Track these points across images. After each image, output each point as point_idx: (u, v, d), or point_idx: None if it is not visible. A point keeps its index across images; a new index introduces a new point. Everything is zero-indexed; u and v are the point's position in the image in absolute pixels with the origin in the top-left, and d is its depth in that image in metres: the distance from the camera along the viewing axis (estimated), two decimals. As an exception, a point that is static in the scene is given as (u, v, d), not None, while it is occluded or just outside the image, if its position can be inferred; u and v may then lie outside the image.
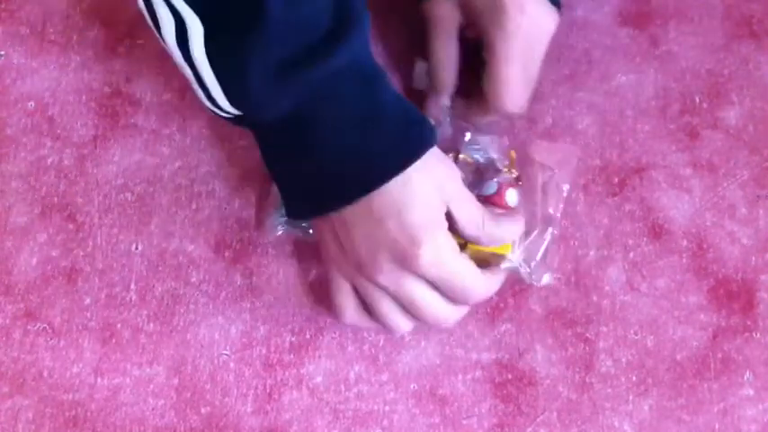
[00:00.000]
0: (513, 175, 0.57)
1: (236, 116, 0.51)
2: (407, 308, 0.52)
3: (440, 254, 0.50)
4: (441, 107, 0.59)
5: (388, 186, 0.49)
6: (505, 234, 0.54)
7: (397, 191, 0.49)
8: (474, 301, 0.53)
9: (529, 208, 0.57)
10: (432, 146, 0.50)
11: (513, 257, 0.55)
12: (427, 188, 0.50)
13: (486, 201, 0.56)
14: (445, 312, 0.53)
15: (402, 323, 0.53)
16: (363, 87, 0.50)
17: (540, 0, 0.55)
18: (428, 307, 0.52)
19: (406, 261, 0.50)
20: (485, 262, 0.54)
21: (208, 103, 0.50)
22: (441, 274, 0.50)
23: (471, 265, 0.52)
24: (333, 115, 0.49)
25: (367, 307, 0.53)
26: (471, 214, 0.52)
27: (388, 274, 0.50)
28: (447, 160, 0.52)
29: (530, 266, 0.56)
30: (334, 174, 0.50)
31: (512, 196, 0.56)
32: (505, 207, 0.56)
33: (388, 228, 0.49)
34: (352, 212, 0.50)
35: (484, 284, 0.52)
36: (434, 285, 0.51)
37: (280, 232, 0.57)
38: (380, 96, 0.50)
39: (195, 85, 0.49)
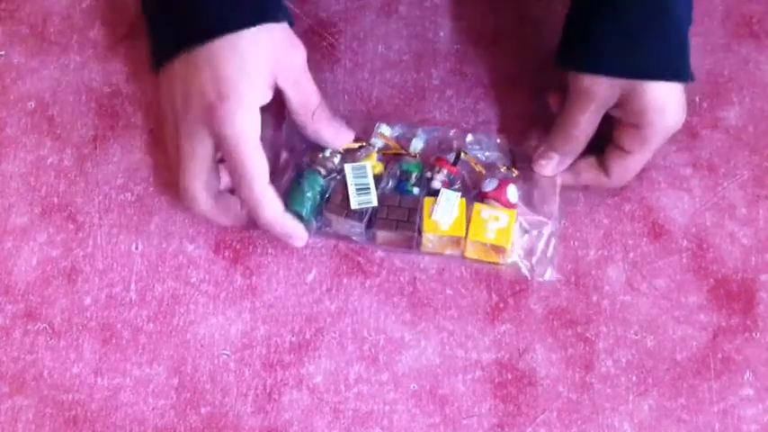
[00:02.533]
0: (514, 174, 0.58)
1: None
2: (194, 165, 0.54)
3: (238, 117, 0.51)
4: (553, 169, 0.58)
5: (219, 41, 0.51)
6: (332, 134, 0.56)
7: (224, 46, 0.52)
8: (244, 196, 0.53)
9: (528, 204, 0.58)
10: (276, 21, 0.53)
11: (513, 254, 0.56)
12: (256, 54, 0.52)
13: (486, 197, 0.57)
14: (239, 173, 0.53)
15: (198, 193, 0.55)
16: None
17: (683, 99, 0.56)
18: (198, 183, 0.54)
19: (207, 111, 0.52)
20: (483, 256, 0.56)
21: None
22: (230, 139, 0.51)
23: (260, 154, 0.52)
24: None
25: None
26: (305, 96, 0.55)
27: (190, 123, 0.52)
28: (295, 40, 0.54)
29: (531, 262, 0.56)
30: (179, 17, 0.53)
31: (512, 192, 0.57)
32: (506, 203, 0.57)
33: (204, 76, 0.52)
34: (186, 61, 0.53)
35: (261, 177, 0.52)
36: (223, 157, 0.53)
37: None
38: None
39: None
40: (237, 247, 0.59)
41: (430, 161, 0.59)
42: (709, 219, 0.60)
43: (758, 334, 0.58)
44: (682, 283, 0.59)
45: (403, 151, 0.59)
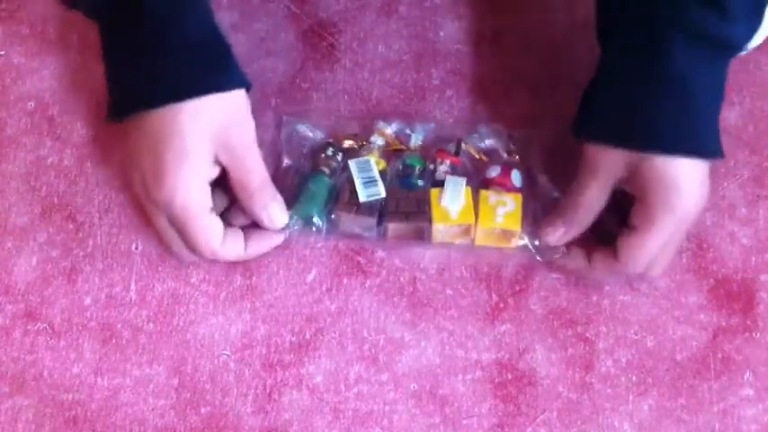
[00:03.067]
0: (516, 158, 0.59)
1: None
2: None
3: (178, 200, 0.50)
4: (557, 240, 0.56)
5: (161, 111, 0.50)
6: (266, 219, 0.55)
7: (165, 119, 0.50)
8: (202, 258, 0.54)
9: (531, 188, 0.58)
10: (223, 90, 0.51)
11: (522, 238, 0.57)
12: (196, 132, 0.50)
13: (491, 183, 0.57)
14: (181, 252, 0.55)
15: (172, 245, 0.55)
16: (169, 11, 0.51)
17: (705, 179, 0.53)
18: (166, 238, 0.54)
19: (148, 191, 0.51)
20: (494, 242, 0.56)
21: None
22: (174, 218, 0.51)
23: (208, 225, 0.52)
24: (132, 20, 0.51)
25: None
26: (244, 175, 0.53)
27: (139, 191, 0.53)
28: (242, 114, 0.52)
29: (539, 241, 0.57)
30: (127, 82, 0.52)
31: (516, 177, 0.57)
32: (511, 188, 0.57)
33: (144, 155, 0.51)
34: (136, 126, 0.52)
35: (211, 245, 0.53)
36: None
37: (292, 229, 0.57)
38: (184, 25, 0.51)
39: None
40: (237, 247, 0.59)
41: (431, 154, 0.59)
42: (709, 219, 0.60)
43: (758, 334, 0.58)
44: (682, 283, 0.59)
45: (403, 147, 0.59)
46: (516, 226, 0.56)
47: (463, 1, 0.64)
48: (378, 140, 0.59)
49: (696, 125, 0.52)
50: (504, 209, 0.56)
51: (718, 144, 0.53)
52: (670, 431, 0.56)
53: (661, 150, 0.51)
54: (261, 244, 0.56)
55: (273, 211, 0.55)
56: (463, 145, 0.59)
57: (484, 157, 0.59)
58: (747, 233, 0.60)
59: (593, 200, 0.54)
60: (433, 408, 0.56)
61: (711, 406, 0.57)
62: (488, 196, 0.56)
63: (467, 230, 0.57)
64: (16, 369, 0.56)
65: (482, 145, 0.59)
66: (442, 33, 0.63)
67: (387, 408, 0.56)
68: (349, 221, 0.57)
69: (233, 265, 0.58)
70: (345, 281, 0.58)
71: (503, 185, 0.57)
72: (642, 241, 0.52)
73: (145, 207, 0.54)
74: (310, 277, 0.58)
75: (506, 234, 0.57)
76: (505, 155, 0.59)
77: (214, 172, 0.52)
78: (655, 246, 0.53)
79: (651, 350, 0.57)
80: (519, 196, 0.57)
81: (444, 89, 0.62)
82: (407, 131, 0.60)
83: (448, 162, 0.58)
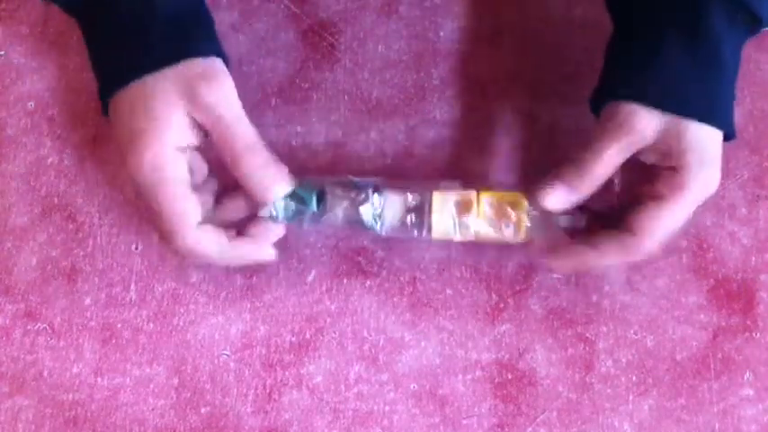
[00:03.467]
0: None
1: None
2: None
3: (146, 159, 0.49)
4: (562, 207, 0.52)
5: (130, 89, 0.50)
6: (260, 182, 0.50)
7: (134, 95, 0.50)
8: (172, 244, 0.50)
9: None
10: (190, 57, 0.50)
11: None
12: (164, 97, 0.49)
13: None
14: (161, 226, 0.50)
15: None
16: None
17: (720, 157, 0.52)
18: (153, 211, 0.51)
19: (127, 165, 0.50)
20: (504, 212, 0.53)
21: None
22: (146, 186, 0.49)
23: (181, 196, 0.49)
24: (103, 5, 0.51)
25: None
26: (228, 134, 0.50)
27: (128, 167, 0.50)
28: (216, 74, 0.50)
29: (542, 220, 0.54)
30: (102, 70, 0.52)
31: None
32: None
33: (121, 132, 0.50)
34: (114, 110, 0.51)
35: (183, 222, 0.50)
36: None
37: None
38: (151, 3, 0.50)
39: None
40: (237, 247, 0.59)
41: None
42: (709, 219, 0.60)
43: (758, 334, 0.58)
44: (682, 283, 0.59)
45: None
46: (522, 196, 0.53)
47: (463, 1, 0.64)
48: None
49: (724, 97, 0.52)
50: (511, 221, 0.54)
51: (733, 122, 0.53)
52: (670, 431, 0.56)
53: (700, 119, 0.50)
54: (252, 244, 0.53)
55: (267, 174, 0.51)
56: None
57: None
58: (747, 233, 0.60)
59: (609, 164, 0.51)
60: (433, 408, 0.56)
61: (711, 406, 0.57)
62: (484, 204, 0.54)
63: (467, 204, 0.54)
64: (16, 369, 0.56)
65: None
66: (441, 33, 0.63)
67: (387, 408, 0.56)
68: (342, 195, 0.54)
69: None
70: (345, 281, 0.58)
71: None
72: (670, 211, 0.51)
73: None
74: (310, 277, 0.58)
75: (513, 203, 0.53)
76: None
77: (192, 138, 0.50)
78: (681, 215, 0.51)
79: (651, 350, 0.57)
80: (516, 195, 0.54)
81: (444, 89, 0.62)
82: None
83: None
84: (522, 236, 0.54)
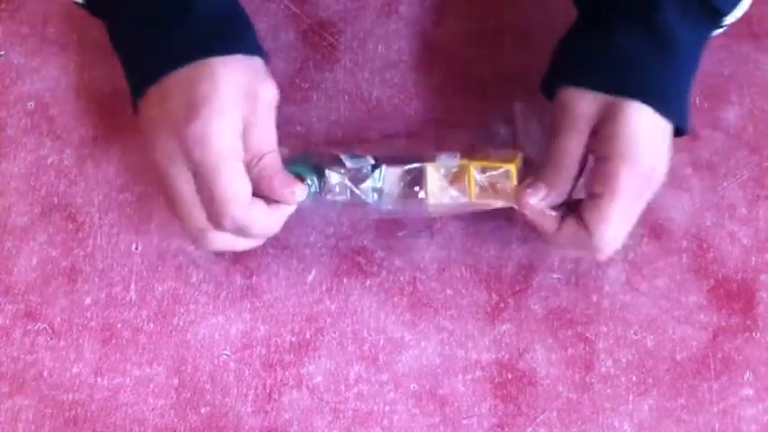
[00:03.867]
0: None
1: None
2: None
3: (207, 138, 0.47)
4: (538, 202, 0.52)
5: (192, 67, 0.49)
6: (275, 187, 0.50)
7: (197, 70, 0.49)
8: (222, 220, 0.49)
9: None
10: (251, 54, 0.50)
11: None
12: (229, 78, 0.48)
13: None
14: (197, 223, 0.50)
15: (192, 213, 0.50)
16: None
17: (669, 149, 0.51)
18: (185, 204, 0.49)
19: (176, 135, 0.48)
20: (494, 189, 0.53)
21: None
22: (203, 163, 0.48)
23: (239, 176, 0.49)
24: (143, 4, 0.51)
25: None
26: (257, 136, 0.49)
27: (163, 146, 0.48)
28: (269, 77, 0.51)
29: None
30: (152, 47, 0.51)
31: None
32: None
33: (175, 100, 0.48)
34: (159, 89, 0.50)
35: (239, 201, 0.49)
36: (195, 179, 0.49)
37: None
38: (198, 1, 0.50)
39: None
40: (237, 247, 0.59)
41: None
42: (709, 219, 0.60)
43: (758, 334, 0.58)
44: (682, 283, 0.59)
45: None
46: (513, 163, 0.53)
47: (463, 1, 0.64)
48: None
49: (674, 85, 0.51)
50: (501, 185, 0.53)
51: (686, 115, 0.52)
52: (670, 431, 0.56)
53: (635, 95, 0.49)
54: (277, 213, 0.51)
55: (284, 181, 0.51)
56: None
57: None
58: (747, 233, 0.60)
59: (572, 150, 0.51)
60: (433, 408, 0.56)
61: (711, 406, 0.57)
62: (474, 174, 0.53)
63: (461, 174, 0.53)
64: (16, 369, 0.56)
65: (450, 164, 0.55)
66: (441, 33, 0.63)
67: (387, 408, 0.56)
68: (340, 175, 0.53)
69: (233, 264, 0.58)
70: (345, 281, 0.58)
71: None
72: (609, 204, 0.50)
73: (166, 169, 0.49)
74: (310, 277, 0.58)
75: (504, 172, 0.53)
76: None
77: (239, 126, 0.49)
78: (624, 209, 0.50)
79: (651, 350, 0.57)
80: (514, 162, 0.53)
81: (444, 89, 0.62)
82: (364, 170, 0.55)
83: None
84: (511, 200, 0.53)
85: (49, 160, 0.60)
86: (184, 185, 0.49)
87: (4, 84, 0.62)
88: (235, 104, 0.49)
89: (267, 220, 0.51)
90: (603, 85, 0.50)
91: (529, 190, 0.52)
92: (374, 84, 0.62)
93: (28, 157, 0.60)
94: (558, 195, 0.52)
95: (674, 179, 0.60)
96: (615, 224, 0.50)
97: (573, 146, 0.51)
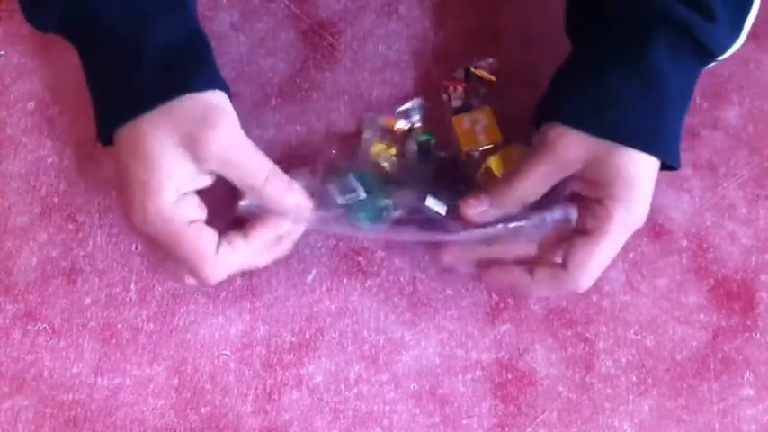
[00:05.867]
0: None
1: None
2: None
3: (149, 215, 0.48)
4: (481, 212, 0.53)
5: (123, 130, 0.48)
6: (286, 201, 0.51)
7: (127, 137, 0.48)
8: (200, 278, 0.51)
9: None
10: (187, 92, 0.48)
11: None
12: (156, 139, 0.47)
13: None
14: (175, 272, 0.52)
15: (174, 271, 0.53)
16: (128, 25, 0.49)
17: (651, 187, 0.51)
18: (165, 266, 0.51)
19: (128, 212, 0.49)
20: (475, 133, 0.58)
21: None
22: (158, 239, 0.49)
23: (194, 236, 0.49)
24: (95, 40, 0.50)
25: None
26: (242, 173, 0.49)
27: (134, 221, 0.50)
28: (212, 115, 0.48)
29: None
30: (105, 91, 0.51)
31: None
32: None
33: (120, 180, 0.49)
34: (116, 140, 0.50)
35: (203, 258, 0.49)
36: None
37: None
38: (145, 37, 0.49)
39: None
40: (237, 247, 0.59)
41: (442, 84, 0.60)
42: (709, 219, 0.60)
43: (758, 334, 0.58)
44: (682, 283, 0.59)
45: (405, 127, 0.59)
46: (497, 138, 0.58)
47: (463, 1, 0.64)
48: (369, 134, 0.59)
49: (665, 127, 0.51)
50: (480, 125, 0.58)
51: (678, 153, 0.52)
52: (670, 431, 0.56)
53: (631, 144, 0.49)
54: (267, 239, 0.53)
55: (293, 195, 0.51)
56: (472, 69, 0.60)
57: (493, 78, 0.60)
58: (747, 233, 0.60)
59: (535, 186, 0.51)
60: (433, 408, 0.56)
61: (711, 406, 0.57)
62: (462, 120, 0.58)
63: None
64: (16, 369, 0.56)
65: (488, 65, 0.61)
66: (441, 33, 0.63)
67: (387, 408, 0.56)
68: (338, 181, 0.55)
69: (233, 265, 0.58)
70: (345, 281, 0.58)
71: None
72: (597, 245, 0.50)
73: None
74: (310, 277, 0.58)
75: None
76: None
77: (198, 182, 0.50)
78: (608, 250, 0.51)
79: (651, 350, 0.57)
80: (487, 108, 0.59)
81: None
82: (404, 112, 0.60)
83: (459, 89, 0.59)
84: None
85: (49, 160, 0.60)
86: (156, 250, 0.52)
87: (4, 84, 0.62)
88: (177, 172, 0.48)
89: (246, 252, 0.52)
90: (596, 129, 0.50)
91: (472, 201, 0.52)
92: (374, 84, 0.62)
93: (28, 157, 0.60)
94: (494, 215, 0.52)
95: (675, 179, 0.60)
96: (602, 262, 0.51)
97: (536, 179, 0.51)
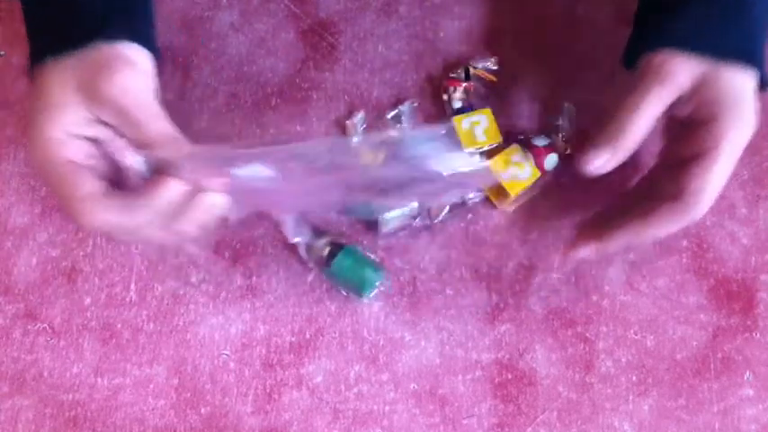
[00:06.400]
0: (567, 151, 0.60)
1: None
2: None
3: (36, 149, 0.47)
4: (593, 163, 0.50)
5: (37, 72, 0.49)
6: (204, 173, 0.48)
7: (36, 80, 0.48)
8: (80, 220, 0.48)
9: None
10: (91, 41, 0.48)
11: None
12: (56, 81, 0.48)
13: (531, 147, 0.59)
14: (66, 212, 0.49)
15: None
16: None
17: (754, 103, 0.50)
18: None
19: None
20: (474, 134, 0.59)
21: None
22: (40, 172, 0.48)
23: (71, 177, 0.47)
24: None
25: None
26: (136, 131, 0.47)
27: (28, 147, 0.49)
28: (112, 63, 0.48)
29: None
30: (30, 32, 0.52)
31: (550, 161, 0.59)
32: (540, 165, 0.58)
33: (28, 105, 0.49)
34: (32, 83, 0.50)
35: (76, 198, 0.47)
36: None
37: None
38: None
39: None
40: (237, 246, 0.59)
41: (443, 84, 0.61)
42: (709, 219, 0.60)
43: (758, 334, 0.58)
44: (682, 283, 0.59)
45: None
46: (497, 139, 0.59)
47: (463, 1, 0.64)
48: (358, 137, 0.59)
49: (757, 43, 0.52)
50: (480, 127, 0.59)
51: (766, 69, 0.52)
52: (670, 431, 0.56)
53: (735, 60, 0.50)
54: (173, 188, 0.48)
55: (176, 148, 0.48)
56: (471, 69, 0.60)
57: (493, 78, 0.61)
58: (747, 233, 0.60)
59: (648, 115, 0.50)
60: (433, 408, 0.56)
61: (711, 406, 0.57)
62: (461, 121, 0.59)
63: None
64: (16, 369, 0.56)
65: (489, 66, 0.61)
66: (441, 33, 0.63)
67: (387, 408, 0.56)
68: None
69: (233, 265, 0.58)
70: (345, 281, 0.58)
71: (537, 157, 0.58)
72: (714, 166, 0.49)
73: None
74: (310, 277, 0.58)
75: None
76: (561, 135, 0.60)
77: (91, 129, 0.48)
78: (725, 169, 0.49)
79: (651, 350, 0.57)
80: (487, 109, 0.59)
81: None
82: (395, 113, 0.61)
83: (460, 89, 0.60)
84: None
85: (49, 160, 0.60)
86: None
87: (4, 84, 0.62)
88: (66, 112, 0.48)
89: (135, 219, 0.48)
90: (702, 49, 0.50)
91: (591, 153, 0.50)
92: (374, 84, 0.62)
93: (28, 157, 0.60)
94: (619, 160, 0.50)
95: (674, 179, 0.60)
96: (719, 184, 0.50)
97: (651, 112, 0.50)
